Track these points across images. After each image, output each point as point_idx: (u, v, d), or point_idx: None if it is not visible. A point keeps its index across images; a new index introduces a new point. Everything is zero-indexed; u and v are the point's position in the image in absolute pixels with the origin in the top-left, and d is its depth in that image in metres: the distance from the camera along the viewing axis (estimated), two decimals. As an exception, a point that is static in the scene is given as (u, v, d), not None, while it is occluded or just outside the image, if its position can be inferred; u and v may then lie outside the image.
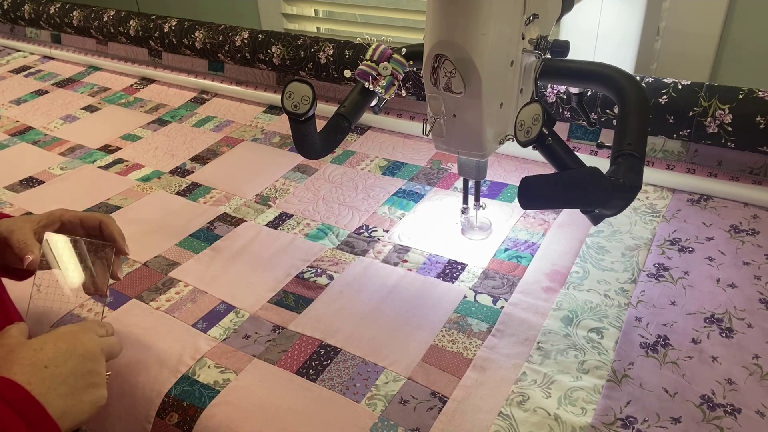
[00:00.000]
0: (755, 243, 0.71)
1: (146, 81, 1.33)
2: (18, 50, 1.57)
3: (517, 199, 0.61)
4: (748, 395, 0.54)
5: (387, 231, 0.79)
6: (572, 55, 0.61)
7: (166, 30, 1.26)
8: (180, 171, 0.98)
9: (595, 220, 0.60)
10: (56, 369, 0.47)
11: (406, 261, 0.74)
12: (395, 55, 0.69)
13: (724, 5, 0.91)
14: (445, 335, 0.63)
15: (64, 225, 0.63)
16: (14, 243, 0.57)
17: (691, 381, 0.56)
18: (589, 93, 0.82)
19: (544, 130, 0.53)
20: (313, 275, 0.73)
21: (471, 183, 0.73)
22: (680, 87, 0.79)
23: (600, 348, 0.60)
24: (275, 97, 1.15)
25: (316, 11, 1.43)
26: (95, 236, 0.63)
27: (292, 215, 0.85)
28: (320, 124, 0.68)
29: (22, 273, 0.62)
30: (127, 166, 1.01)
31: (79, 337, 0.50)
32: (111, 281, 0.63)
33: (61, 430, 0.45)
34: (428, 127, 0.65)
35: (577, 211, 0.58)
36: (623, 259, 0.71)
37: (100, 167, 1.01)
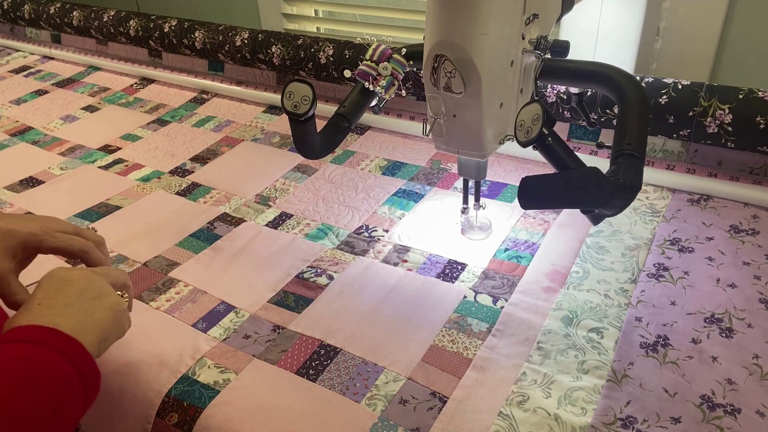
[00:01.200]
0: (755, 243, 0.71)
1: (146, 81, 1.33)
2: (18, 50, 1.57)
3: (517, 199, 0.61)
4: (748, 395, 0.54)
5: (387, 231, 0.79)
6: (572, 55, 0.61)
7: (166, 30, 1.26)
8: (180, 171, 0.98)
9: (595, 220, 0.60)
10: (77, 284, 0.49)
11: (406, 261, 0.74)
12: (395, 55, 0.69)
13: (724, 5, 0.91)
14: (445, 335, 0.63)
15: (42, 252, 0.59)
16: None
17: (691, 381, 0.56)
18: (589, 93, 0.82)
19: (544, 130, 0.53)
20: (313, 275, 0.73)
21: (471, 183, 0.73)
22: (680, 87, 0.79)
23: (600, 348, 0.60)
24: (275, 97, 1.15)
25: (316, 11, 1.43)
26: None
27: (292, 215, 0.85)
28: (320, 124, 0.68)
29: None
30: (127, 166, 1.01)
31: (67, 272, 0.51)
32: None
33: (82, 344, 0.46)
34: (428, 127, 0.65)
35: (577, 211, 0.58)
36: (623, 259, 0.71)
37: (100, 167, 1.01)
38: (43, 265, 0.59)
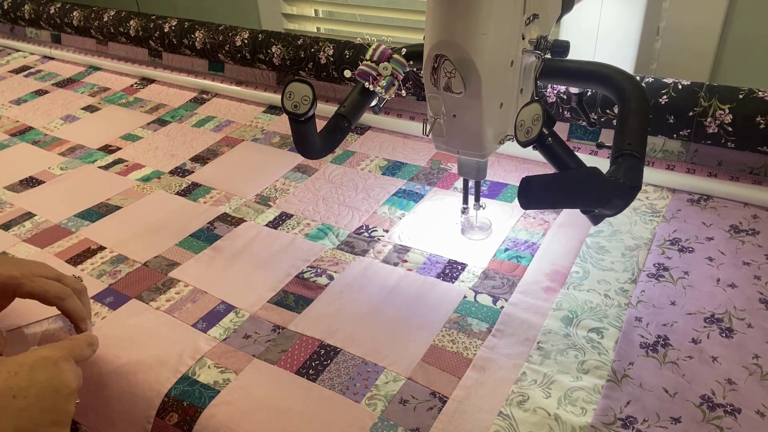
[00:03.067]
0: (755, 243, 0.71)
1: (146, 81, 1.33)
2: (18, 50, 1.57)
3: (517, 199, 0.61)
4: (748, 395, 0.54)
5: (387, 231, 0.79)
6: (572, 55, 0.61)
7: (166, 30, 1.26)
8: (180, 171, 0.98)
9: (595, 220, 0.60)
10: (24, 401, 0.44)
11: (406, 261, 0.74)
12: (395, 55, 0.69)
13: (724, 5, 0.91)
14: (445, 335, 0.63)
15: (20, 296, 0.57)
16: None
17: (691, 381, 0.56)
18: (589, 93, 0.82)
19: (544, 130, 0.53)
20: (313, 275, 0.73)
21: (471, 183, 0.73)
22: (680, 87, 0.79)
23: (600, 348, 0.60)
24: (275, 97, 1.15)
25: (316, 11, 1.43)
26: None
27: (292, 215, 0.85)
28: (320, 124, 0.68)
29: None
30: (127, 166, 1.01)
31: (60, 367, 0.47)
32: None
33: None
34: (428, 127, 0.65)
35: (577, 211, 0.58)
36: (623, 259, 0.71)
37: (100, 167, 1.01)
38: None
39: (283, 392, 0.58)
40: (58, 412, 0.46)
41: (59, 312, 0.58)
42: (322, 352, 0.62)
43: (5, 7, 1.56)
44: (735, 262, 0.69)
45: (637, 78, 0.71)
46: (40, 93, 1.32)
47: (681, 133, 0.81)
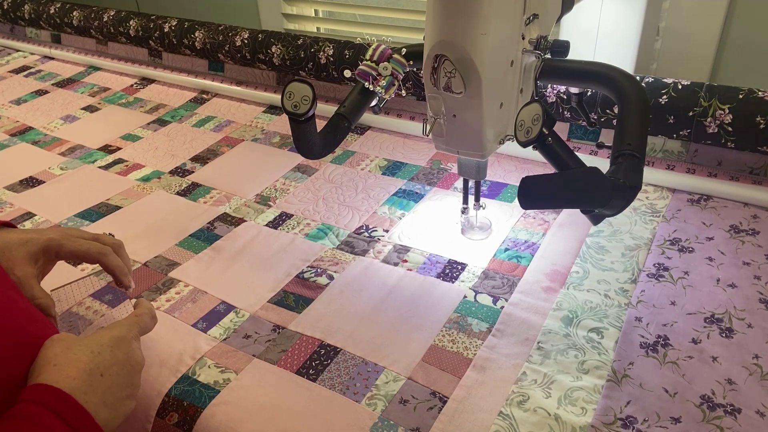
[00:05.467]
0: (755, 243, 0.71)
1: (146, 81, 1.33)
2: (18, 50, 1.58)
3: (517, 199, 0.61)
4: (748, 395, 0.54)
5: (387, 231, 0.79)
6: (572, 55, 0.61)
7: (166, 30, 1.26)
8: (180, 171, 0.98)
9: (595, 220, 0.60)
10: (110, 379, 0.48)
11: (406, 261, 0.74)
12: (395, 55, 0.69)
13: (724, 5, 0.91)
14: (445, 335, 0.63)
15: (62, 257, 0.62)
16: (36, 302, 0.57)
17: (691, 381, 0.56)
18: (589, 93, 0.82)
19: (544, 130, 0.53)
20: (313, 275, 0.73)
21: (471, 183, 0.73)
22: (680, 87, 0.79)
23: (600, 348, 0.60)
24: (275, 97, 1.15)
25: (316, 11, 1.43)
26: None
27: (292, 215, 0.85)
28: (320, 124, 0.68)
29: None
30: (127, 166, 1.01)
31: (132, 346, 0.52)
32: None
33: None
34: (428, 127, 0.65)
35: (577, 211, 0.58)
36: (623, 259, 0.71)
37: (100, 167, 1.01)
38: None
39: (283, 392, 0.58)
40: (133, 386, 0.51)
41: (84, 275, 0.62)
42: (322, 352, 0.62)
43: (5, 7, 1.56)
44: (735, 262, 0.69)
45: (637, 78, 0.71)
46: (40, 93, 1.32)
47: (681, 133, 0.81)
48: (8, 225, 0.62)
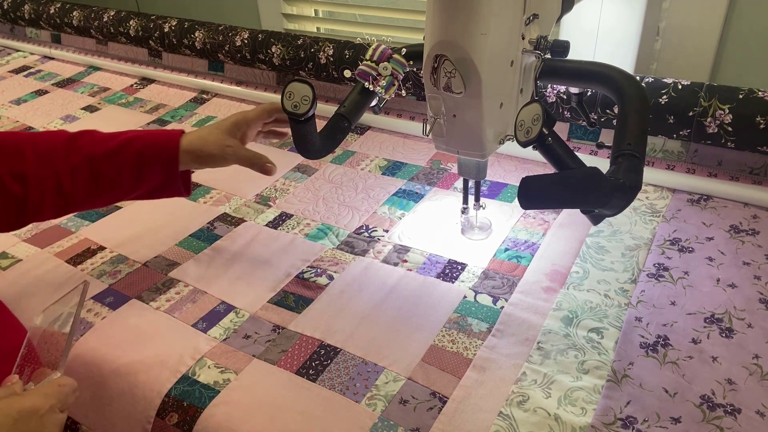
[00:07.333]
0: (755, 243, 0.71)
1: (146, 81, 1.33)
2: (18, 50, 1.58)
3: (517, 199, 0.61)
4: (748, 395, 0.54)
5: (387, 231, 0.79)
6: (572, 55, 0.61)
7: (166, 30, 1.26)
8: (180, 171, 0.98)
9: (595, 220, 0.60)
10: None
11: (406, 261, 0.74)
12: (395, 55, 0.69)
13: (724, 5, 0.91)
14: (445, 335, 0.63)
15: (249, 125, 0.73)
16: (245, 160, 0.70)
17: (691, 381, 0.56)
18: (589, 93, 0.82)
19: (544, 130, 0.53)
20: (313, 275, 0.73)
21: (471, 183, 0.73)
22: (680, 87, 0.79)
23: (600, 348, 0.60)
24: (275, 97, 1.15)
25: (316, 11, 1.43)
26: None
27: (292, 215, 0.85)
28: (320, 124, 0.68)
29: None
30: (127, 166, 1.01)
31: (44, 421, 0.47)
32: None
33: None
34: (428, 127, 0.65)
35: (577, 211, 0.58)
36: (623, 259, 0.71)
37: (100, 167, 1.01)
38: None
39: (283, 392, 0.58)
40: None
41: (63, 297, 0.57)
42: (322, 352, 0.62)
43: (5, 7, 1.56)
44: (735, 262, 0.69)
45: (637, 78, 0.71)
46: (40, 93, 1.32)
47: (681, 133, 0.81)
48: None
